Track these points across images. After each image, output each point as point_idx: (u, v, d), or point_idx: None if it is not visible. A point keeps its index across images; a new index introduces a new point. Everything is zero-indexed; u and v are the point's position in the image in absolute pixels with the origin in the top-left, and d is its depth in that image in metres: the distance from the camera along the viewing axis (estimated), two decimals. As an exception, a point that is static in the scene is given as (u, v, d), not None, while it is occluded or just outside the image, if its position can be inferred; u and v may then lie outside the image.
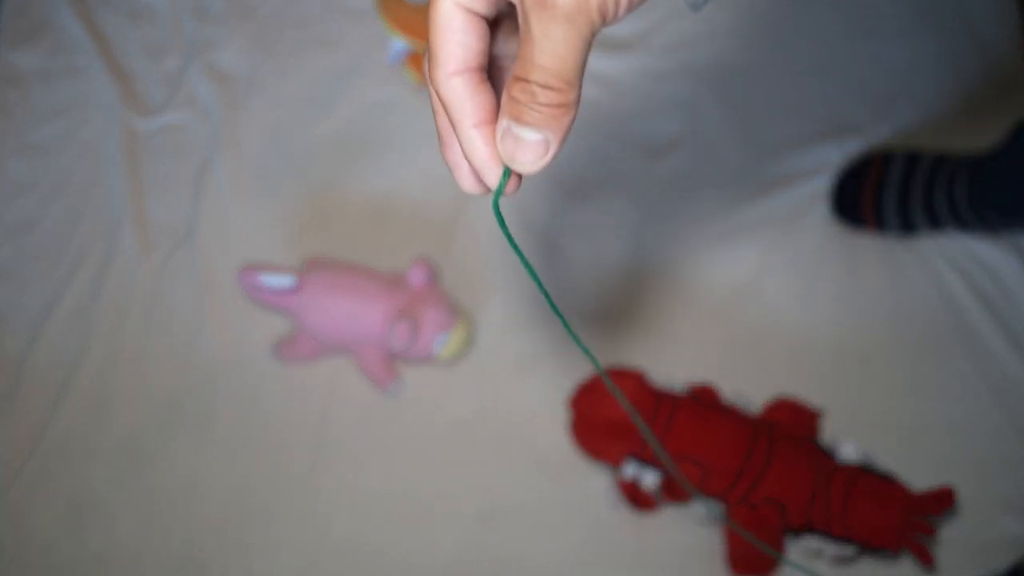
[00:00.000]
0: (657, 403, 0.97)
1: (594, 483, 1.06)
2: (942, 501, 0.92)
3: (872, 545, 0.93)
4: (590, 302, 1.14)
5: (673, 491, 0.97)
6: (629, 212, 1.18)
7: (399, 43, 1.23)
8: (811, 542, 0.95)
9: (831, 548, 0.94)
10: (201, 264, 1.18)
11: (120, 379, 1.13)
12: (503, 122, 0.33)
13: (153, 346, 1.14)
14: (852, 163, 1.15)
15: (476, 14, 0.33)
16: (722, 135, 1.22)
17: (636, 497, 1.01)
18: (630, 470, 0.98)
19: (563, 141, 0.34)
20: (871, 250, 1.15)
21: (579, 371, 1.07)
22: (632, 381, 0.99)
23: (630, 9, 0.32)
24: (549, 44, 0.31)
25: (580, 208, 1.19)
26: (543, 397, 1.09)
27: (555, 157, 0.34)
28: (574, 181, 1.20)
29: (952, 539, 1.01)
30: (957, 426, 1.06)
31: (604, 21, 0.32)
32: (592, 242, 1.17)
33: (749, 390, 1.06)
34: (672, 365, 1.10)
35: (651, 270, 1.16)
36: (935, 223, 1.10)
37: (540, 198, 1.19)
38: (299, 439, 1.09)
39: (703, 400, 0.99)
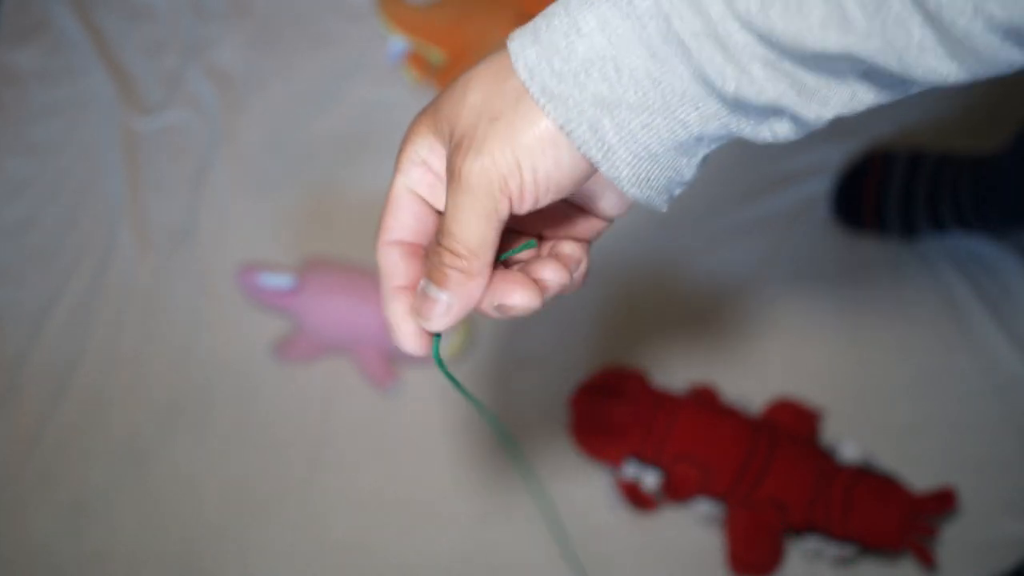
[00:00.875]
0: (657, 404, 0.97)
1: (594, 483, 1.05)
2: (943, 501, 0.92)
3: (873, 545, 0.93)
4: (590, 302, 1.14)
5: (673, 491, 0.97)
6: (630, 213, 1.18)
7: (398, 42, 1.23)
8: (812, 543, 0.95)
9: (832, 549, 0.94)
10: (200, 264, 1.18)
11: (119, 379, 1.13)
12: (422, 280, 0.38)
13: (152, 346, 1.14)
14: (852, 163, 1.15)
15: (422, 198, 0.39)
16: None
17: (636, 497, 1.00)
18: (630, 470, 0.98)
19: (467, 306, 0.37)
20: (871, 250, 1.14)
21: (579, 371, 1.06)
22: (632, 381, 0.99)
23: (535, 205, 0.36)
24: (458, 214, 0.35)
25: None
26: (543, 397, 1.09)
27: (457, 318, 0.37)
28: None
29: (953, 539, 1.01)
30: (958, 426, 1.06)
31: (509, 205, 0.35)
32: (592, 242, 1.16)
33: (749, 390, 1.05)
34: (672, 365, 1.10)
35: (651, 270, 1.16)
36: (938, 225, 1.09)
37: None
38: (298, 439, 1.09)
39: (703, 400, 0.99)
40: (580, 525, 1.04)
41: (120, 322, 1.15)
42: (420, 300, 0.38)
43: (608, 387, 0.99)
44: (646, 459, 0.96)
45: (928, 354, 1.09)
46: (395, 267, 0.39)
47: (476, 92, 0.36)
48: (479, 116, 0.35)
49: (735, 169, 1.20)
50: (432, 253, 0.37)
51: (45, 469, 1.09)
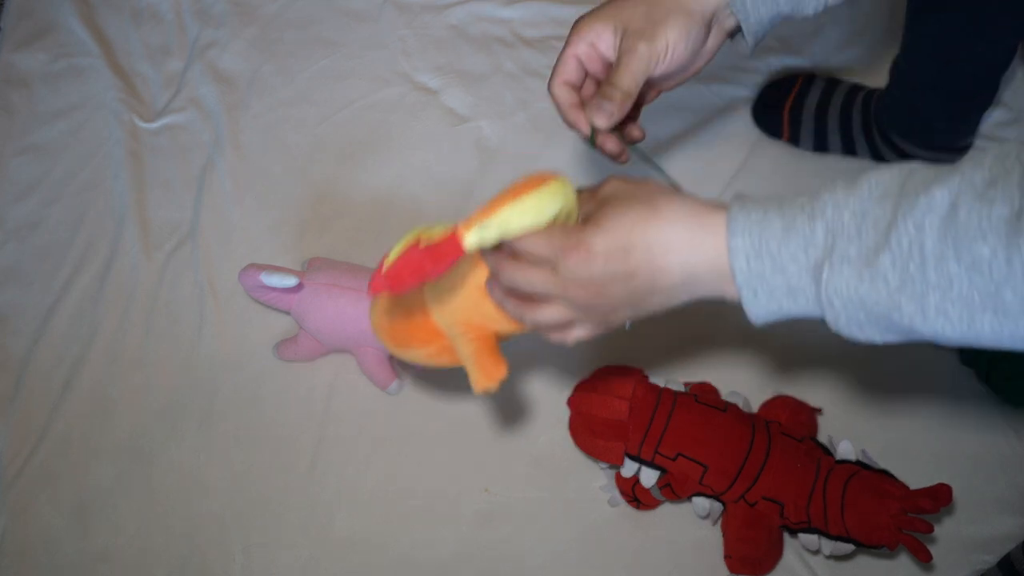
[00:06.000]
0: (656, 401, 0.98)
1: (594, 482, 1.06)
2: (939, 498, 0.92)
3: (869, 542, 0.93)
4: (589, 301, 1.14)
5: (672, 489, 0.98)
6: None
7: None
8: (809, 539, 0.95)
9: (828, 545, 0.95)
10: (203, 264, 1.19)
11: (122, 378, 1.14)
12: (596, 98, 0.63)
13: (155, 345, 1.15)
14: (775, 76, 1.22)
15: (581, 62, 0.65)
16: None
17: (635, 495, 1.01)
18: (629, 468, 0.98)
19: (618, 115, 0.63)
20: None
21: (579, 371, 1.07)
22: (631, 380, 1.00)
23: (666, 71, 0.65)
24: (626, 71, 0.62)
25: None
26: (543, 397, 1.10)
27: (611, 122, 0.64)
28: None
29: (949, 536, 1.01)
30: (954, 424, 1.07)
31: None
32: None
33: (748, 389, 1.06)
34: (672, 364, 1.10)
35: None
36: (848, 147, 1.17)
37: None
38: (300, 438, 1.10)
39: (702, 398, 0.99)
40: (580, 523, 1.05)
41: (124, 322, 1.16)
42: (595, 105, 0.63)
43: (608, 386, 1.00)
44: (645, 457, 0.97)
45: (924, 352, 1.10)
46: (568, 95, 0.65)
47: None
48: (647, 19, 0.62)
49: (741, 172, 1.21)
50: (606, 85, 0.62)
51: (50, 468, 1.10)
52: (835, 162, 1.19)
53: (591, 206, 0.56)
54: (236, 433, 1.11)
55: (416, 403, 1.11)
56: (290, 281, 1.04)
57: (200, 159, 1.25)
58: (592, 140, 0.65)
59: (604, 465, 1.05)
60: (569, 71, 0.65)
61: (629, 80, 0.61)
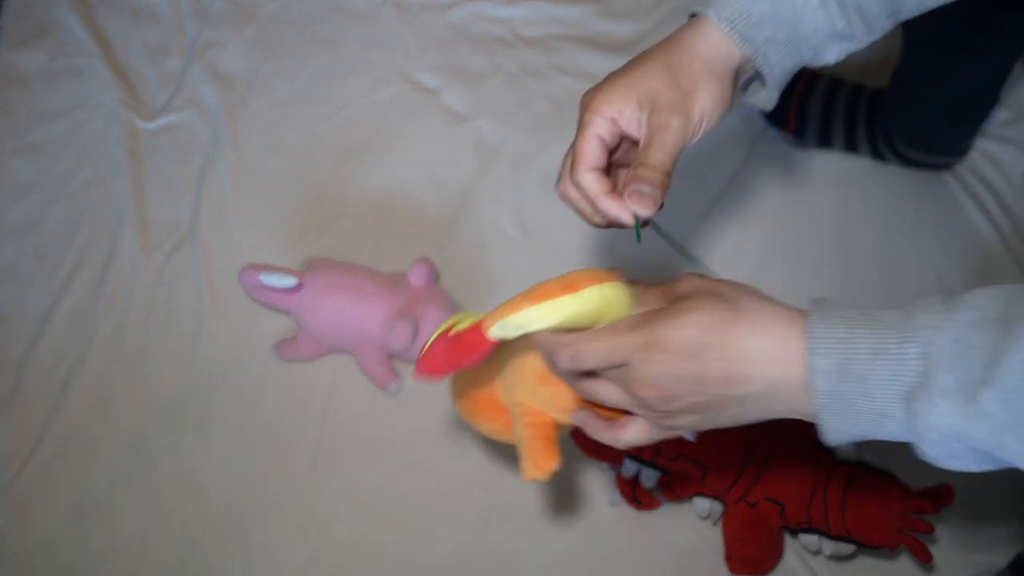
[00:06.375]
0: (656, 402, 0.98)
1: (594, 482, 1.06)
2: (941, 499, 0.92)
3: (870, 543, 0.93)
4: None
5: (672, 490, 0.98)
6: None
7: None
8: (809, 540, 0.95)
9: (829, 546, 0.95)
10: (202, 264, 1.18)
11: (122, 378, 1.14)
12: (633, 183, 0.56)
13: (154, 345, 1.15)
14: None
15: (604, 141, 0.58)
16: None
17: (636, 496, 1.01)
18: (630, 469, 0.98)
19: (657, 202, 0.56)
20: (870, 247, 1.15)
21: (579, 370, 1.07)
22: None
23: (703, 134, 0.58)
24: (659, 150, 0.56)
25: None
26: (543, 396, 1.10)
27: (652, 209, 0.56)
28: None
29: (950, 536, 1.01)
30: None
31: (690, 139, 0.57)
32: (590, 240, 1.17)
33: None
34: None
35: (651, 269, 1.16)
36: (851, 145, 1.17)
37: (538, 195, 1.19)
38: (300, 438, 1.10)
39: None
40: (580, 523, 1.05)
41: (123, 322, 1.16)
42: (635, 192, 0.55)
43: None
44: (646, 458, 0.97)
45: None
46: (599, 182, 0.57)
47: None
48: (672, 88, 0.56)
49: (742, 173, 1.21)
50: (641, 168, 0.55)
51: (49, 468, 1.10)
52: (836, 162, 1.18)
53: (663, 303, 0.52)
54: (236, 433, 1.10)
55: (416, 403, 1.10)
56: (290, 281, 1.04)
57: (199, 159, 1.25)
58: (637, 230, 0.58)
59: (604, 466, 1.04)
60: (594, 155, 0.57)
61: (666, 159, 0.55)
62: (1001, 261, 1.13)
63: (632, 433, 0.56)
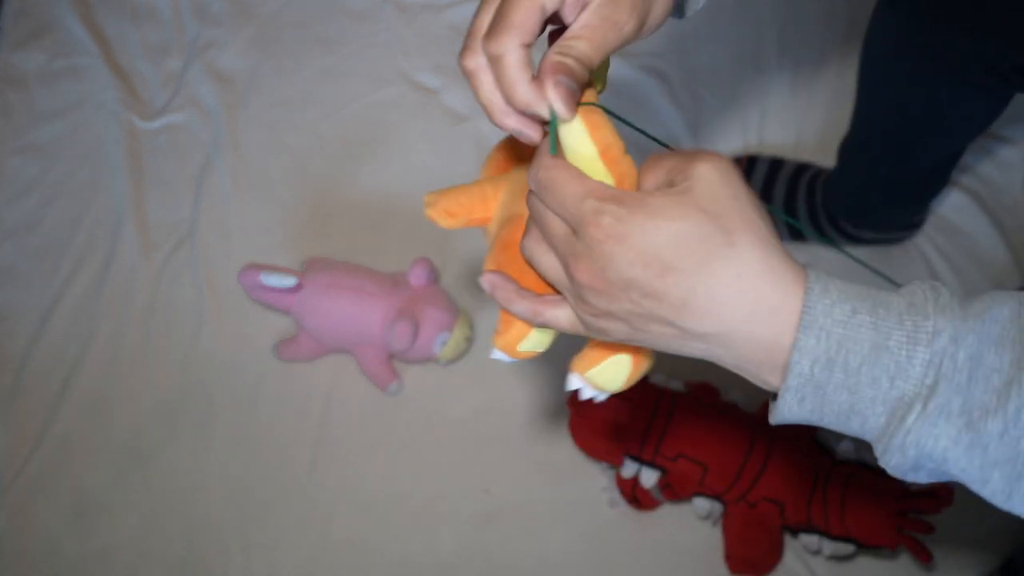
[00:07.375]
0: (656, 401, 0.98)
1: (594, 483, 1.06)
2: (941, 499, 0.92)
3: (870, 543, 0.93)
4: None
5: (672, 490, 0.98)
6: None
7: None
8: (809, 540, 0.95)
9: (829, 546, 0.95)
10: (202, 264, 1.18)
11: (121, 379, 1.14)
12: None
13: (154, 346, 1.15)
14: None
15: (544, 11, 0.43)
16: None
17: (635, 496, 1.01)
18: (629, 469, 0.98)
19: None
20: (869, 249, 1.15)
21: (578, 370, 1.07)
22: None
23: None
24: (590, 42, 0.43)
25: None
26: (543, 397, 1.10)
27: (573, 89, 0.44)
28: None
29: (950, 536, 1.01)
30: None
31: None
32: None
33: (748, 389, 1.06)
34: (672, 364, 1.10)
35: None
36: (794, 231, 1.13)
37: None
38: (299, 438, 1.10)
39: (702, 399, 0.99)
40: (580, 524, 1.05)
41: (123, 322, 1.16)
42: (561, 85, 0.42)
43: (607, 386, 1.00)
44: (645, 458, 0.97)
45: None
46: (525, 65, 0.44)
47: None
48: None
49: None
50: (566, 56, 0.43)
51: (48, 468, 1.10)
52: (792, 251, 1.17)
53: (665, 178, 0.43)
54: (235, 433, 1.10)
55: (416, 403, 1.10)
56: (290, 281, 1.04)
57: (199, 159, 1.25)
58: (553, 136, 0.45)
59: (604, 466, 1.05)
60: (531, 26, 0.43)
61: (596, 61, 0.44)
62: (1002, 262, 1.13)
63: (555, 315, 0.47)
